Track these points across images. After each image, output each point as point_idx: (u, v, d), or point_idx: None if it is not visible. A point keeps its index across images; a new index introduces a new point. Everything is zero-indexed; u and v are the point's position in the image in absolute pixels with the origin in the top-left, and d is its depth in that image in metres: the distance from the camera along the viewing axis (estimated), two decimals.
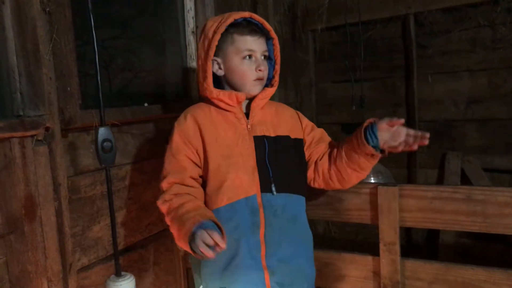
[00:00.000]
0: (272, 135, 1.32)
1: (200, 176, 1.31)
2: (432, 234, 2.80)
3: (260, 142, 1.29)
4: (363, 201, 1.52)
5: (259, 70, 1.29)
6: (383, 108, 3.00)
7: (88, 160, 1.36)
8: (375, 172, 2.12)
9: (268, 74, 1.36)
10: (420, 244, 2.93)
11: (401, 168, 2.99)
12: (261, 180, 1.26)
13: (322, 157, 1.38)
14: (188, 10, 1.93)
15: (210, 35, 1.27)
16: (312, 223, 1.39)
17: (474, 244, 2.58)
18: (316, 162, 1.38)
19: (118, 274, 1.27)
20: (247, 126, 1.30)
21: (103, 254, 1.42)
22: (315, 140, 1.41)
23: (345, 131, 3.18)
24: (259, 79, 1.30)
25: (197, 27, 1.94)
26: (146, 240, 1.60)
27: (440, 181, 2.81)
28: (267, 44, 1.34)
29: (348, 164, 1.30)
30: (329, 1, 2.89)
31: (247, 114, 1.32)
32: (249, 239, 1.23)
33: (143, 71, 1.75)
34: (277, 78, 1.36)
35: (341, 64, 3.07)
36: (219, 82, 1.35)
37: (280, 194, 1.27)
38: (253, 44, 1.28)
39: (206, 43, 1.28)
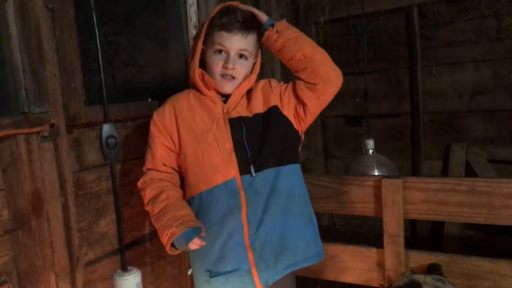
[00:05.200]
0: (250, 115, 1.31)
1: (178, 166, 1.35)
2: (437, 226, 2.80)
3: (236, 124, 1.28)
4: (367, 194, 1.52)
5: (225, 67, 1.26)
6: (387, 100, 2.98)
7: (93, 156, 1.37)
8: (379, 164, 2.11)
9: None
10: (424, 236, 2.93)
11: (405, 159, 2.98)
12: (239, 163, 1.26)
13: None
14: (191, 5, 1.92)
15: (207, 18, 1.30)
16: (316, 216, 1.40)
17: (479, 235, 2.58)
18: (297, 95, 1.35)
19: (124, 269, 1.28)
20: (223, 110, 1.30)
21: (109, 249, 1.43)
22: (288, 88, 1.36)
23: (350, 124, 3.17)
24: (225, 75, 1.28)
25: (199, 21, 1.93)
26: (152, 234, 1.61)
27: (444, 172, 2.80)
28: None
29: (286, 61, 1.32)
30: None
31: (225, 101, 1.32)
32: (230, 222, 1.24)
33: (146, 66, 1.76)
34: (257, 65, 1.35)
35: (344, 57, 3.05)
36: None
37: (260, 172, 1.26)
38: (227, 40, 1.25)
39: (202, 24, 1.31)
